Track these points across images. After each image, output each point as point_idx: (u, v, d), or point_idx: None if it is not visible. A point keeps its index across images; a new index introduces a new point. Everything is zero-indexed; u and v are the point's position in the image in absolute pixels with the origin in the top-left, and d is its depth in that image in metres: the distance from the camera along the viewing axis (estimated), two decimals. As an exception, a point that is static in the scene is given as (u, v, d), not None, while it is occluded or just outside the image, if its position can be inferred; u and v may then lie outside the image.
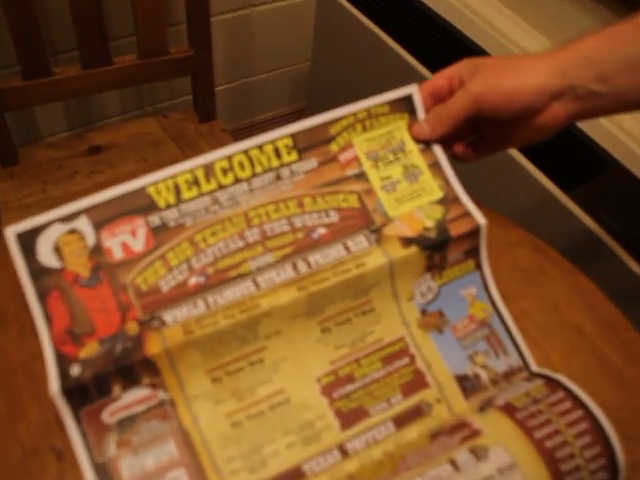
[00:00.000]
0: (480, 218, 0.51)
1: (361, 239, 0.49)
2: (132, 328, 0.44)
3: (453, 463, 0.42)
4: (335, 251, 0.48)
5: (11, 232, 0.44)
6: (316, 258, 0.48)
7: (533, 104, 0.48)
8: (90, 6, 0.91)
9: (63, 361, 0.43)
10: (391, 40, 1.13)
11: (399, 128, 0.52)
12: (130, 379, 0.43)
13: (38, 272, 0.44)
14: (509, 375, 0.50)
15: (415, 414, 0.48)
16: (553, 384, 0.47)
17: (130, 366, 0.43)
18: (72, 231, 0.45)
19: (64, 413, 0.42)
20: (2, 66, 1.06)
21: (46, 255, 0.44)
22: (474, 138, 0.55)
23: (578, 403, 0.45)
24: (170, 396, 0.44)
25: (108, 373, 0.43)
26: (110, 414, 0.43)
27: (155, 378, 0.44)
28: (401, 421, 0.47)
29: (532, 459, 0.42)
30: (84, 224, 0.45)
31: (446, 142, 0.53)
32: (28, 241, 0.44)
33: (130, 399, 0.44)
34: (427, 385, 0.49)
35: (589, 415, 0.44)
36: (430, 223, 0.50)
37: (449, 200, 0.51)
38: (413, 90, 0.52)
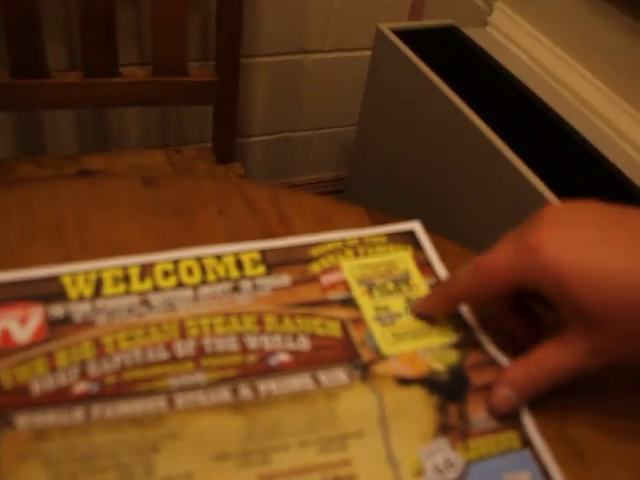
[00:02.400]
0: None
1: (339, 374, 0.34)
2: None
3: None
4: (298, 382, 0.33)
5: None
6: (268, 386, 0.32)
7: None
8: (101, 5, 0.77)
9: None
10: (464, 106, 0.90)
11: (403, 259, 0.41)
12: None
13: None
14: None
15: None
16: None
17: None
18: None
19: None
20: None
21: None
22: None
23: None
24: None
25: None
26: None
27: None
28: None
29: None
30: None
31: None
32: None
33: None
34: None
35: None
36: (440, 366, 0.35)
37: (467, 344, 0.37)
38: (414, 227, 0.43)
